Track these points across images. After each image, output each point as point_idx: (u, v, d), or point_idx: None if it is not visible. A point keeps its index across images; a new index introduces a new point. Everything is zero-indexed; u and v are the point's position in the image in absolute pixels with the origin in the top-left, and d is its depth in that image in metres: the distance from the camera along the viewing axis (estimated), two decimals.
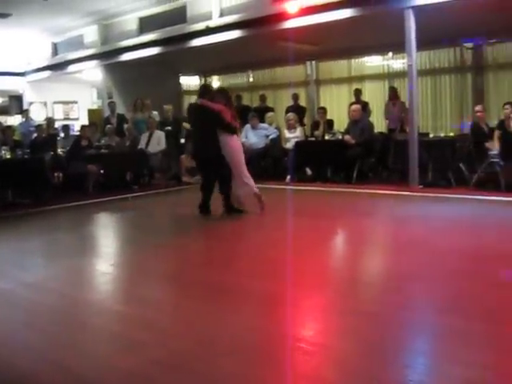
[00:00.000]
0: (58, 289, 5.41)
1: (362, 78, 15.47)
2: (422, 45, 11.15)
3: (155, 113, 14.36)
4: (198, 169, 9.57)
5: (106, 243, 7.91)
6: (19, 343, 3.99)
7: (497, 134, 10.32)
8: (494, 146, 10.19)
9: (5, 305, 4.95)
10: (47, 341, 4.04)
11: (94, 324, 4.37)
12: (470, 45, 13.45)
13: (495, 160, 9.97)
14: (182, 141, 13.92)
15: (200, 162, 9.00)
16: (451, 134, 12.62)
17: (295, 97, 14.82)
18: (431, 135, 12.60)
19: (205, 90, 9.08)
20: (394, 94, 13.18)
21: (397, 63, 14.70)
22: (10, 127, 14.04)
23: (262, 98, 15.67)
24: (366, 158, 11.81)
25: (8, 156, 11.34)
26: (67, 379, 3.40)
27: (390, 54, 14.77)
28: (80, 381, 3.37)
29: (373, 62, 15.36)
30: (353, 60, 15.65)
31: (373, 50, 14.64)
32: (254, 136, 13.18)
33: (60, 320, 4.51)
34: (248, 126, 13.37)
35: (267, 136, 13.16)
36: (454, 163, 10.62)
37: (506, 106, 10.27)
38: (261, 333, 3.97)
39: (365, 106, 13.29)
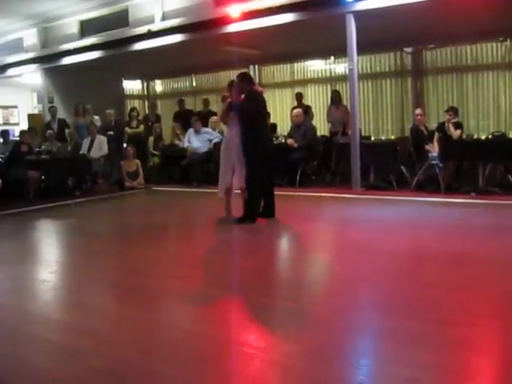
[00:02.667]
0: None
1: (304, 82, 15.61)
2: (363, 49, 11.33)
3: (97, 117, 14.21)
4: (260, 164, 8.16)
5: (47, 250, 7.76)
6: None
7: (436, 136, 10.56)
8: (434, 149, 10.41)
9: None
10: None
11: (32, 334, 4.26)
12: (409, 49, 13.71)
13: (435, 162, 10.18)
14: (125, 145, 13.80)
15: (266, 155, 8.31)
16: (392, 137, 12.86)
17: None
18: (373, 138, 12.81)
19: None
20: (336, 98, 13.32)
21: (339, 67, 14.87)
22: None
23: (206, 103, 15.65)
24: (308, 161, 11.91)
25: None
26: None
27: (332, 58, 14.93)
28: None
29: (315, 66, 15.50)
30: (295, 64, 15.76)
31: (315, 54, 14.80)
32: (196, 140, 13.14)
33: None
34: (191, 130, 13.33)
35: (210, 140, 13.14)
36: (396, 166, 10.81)
37: (450, 112, 10.52)
38: (201, 337, 3.95)
39: (307, 110, 13.41)
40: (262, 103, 8.29)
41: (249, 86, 8.16)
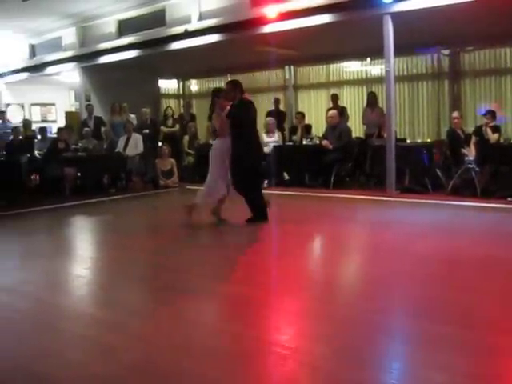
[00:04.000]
0: (32, 292, 5.36)
1: (340, 84, 15.54)
2: (400, 51, 11.24)
3: (133, 116, 14.34)
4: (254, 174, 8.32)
5: (82, 246, 7.85)
6: None
7: (473, 140, 10.43)
8: (471, 152, 10.28)
9: None
10: (20, 347, 3.99)
11: (67, 329, 4.32)
12: (446, 51, 13.57)
13: (471, 166, 10.05)
14: (160, 144, 13.90)
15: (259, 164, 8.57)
16: (428, 140, 12.73)
17: (276, 101, 14.82)
18: (408, 141, 12.69)
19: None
20: (372, 100, 13.22)
21: (375, 69, 14.78)
22: None
23: None
24: (343, 163, 11.84)
25: None
26: (32, 382, 3.36)
27: (368, 59, 14.84)
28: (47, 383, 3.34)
29: (351, 68, 15.42)
30: (331, 65, 15.70)
31: (351, 55, 14.71)
32: None
33: (34, 325, 4.46)
34: None
35: None
36: (431, 169, 10.70)
37: (487, 116, 10.39)
38: (235, 336, 3.96)
39: (342, 111, 13.34)
40: (253, 113, 8.34)
41: (240, 94, 8.16)
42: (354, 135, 12.91)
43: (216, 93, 8.51)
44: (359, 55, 14.68)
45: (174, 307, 4.68)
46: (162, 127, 14.64)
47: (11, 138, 13.70)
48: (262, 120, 14.10)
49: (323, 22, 10.85)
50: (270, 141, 12.88)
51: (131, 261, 6.56)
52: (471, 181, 10.00)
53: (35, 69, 17.64)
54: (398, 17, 10.11)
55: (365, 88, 14.91)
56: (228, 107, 8.07)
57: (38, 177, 12.55)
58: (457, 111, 11.64)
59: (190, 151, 14.29)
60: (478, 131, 10.51)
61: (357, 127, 13.91)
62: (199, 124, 15.70)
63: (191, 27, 12.98)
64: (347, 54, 14.60)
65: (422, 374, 3.32)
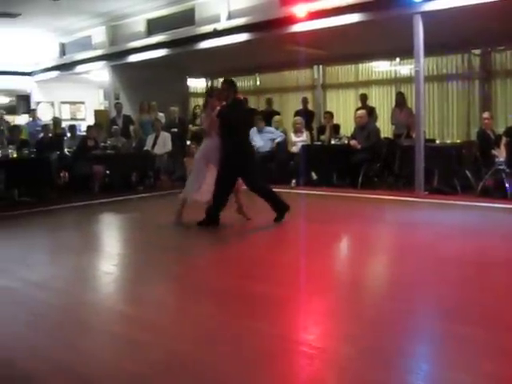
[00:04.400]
0: (61, 288, 5.42)
1: (368, 83, 15.46)
2: (430, 51, 11.14)
3: (161, 114, 14.41)
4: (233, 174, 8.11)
5: (110, 243, 7.91)
6: (22, 343, 3.99)
7: (504, 141, 10.30)
8: (501, 154, 10.16)
9: (9, 303, 4.96)
10: (50, 341, 4.04)
11: (96, 324, 4.37)
12: (477, 51, 13.42)
13: (501, 167, 9.93)
14: (188, 142, 13.95)
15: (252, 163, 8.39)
16: (458, 141, 12.61)
17: (305, 101, 14.79)
18: (437, 141, 12.58)
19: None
20: (401, 100, 13.14)
21: (404, 69, 14.68)
22: (17, 126, 14.12)
23: (269, 102, 15.68)
24: (371, 163, 11.78)
25: (14, 155, 11.36)
26: (69, 379, 3.40)
27: (398, 59, 14.75)
28: (81, 380, 3.36)
29: (380, 68, 15.33)
30: (360, 65, 15.62)
31: (380, 55, 14.63)
32: (259, 139, 13.18)
33: (63, 320, 4.51)
34: (254, 129, 13.36)
35: (273, 139, 13.16)
36: (460, 170, 10.59)
37: None
38: (262, 335, 3.96)
39: (371, 111, 13.28)
40: (244, 112, 8.38)
41: (233, 94, 8.10)
42: (382, 135, 12.84)
43: (209, 92, 8.45)
44: (388, 55, 14.59)
45: (202, 305, 4.71)
46: (190, 126, 14.69)
47: (41, 135, 13.87)
48: (290, 119, 14.14)
49: (352, 22, 10.80)
50: (298, 140, 12.87)
51: (158, 258, 6.60)
52: (501, 182, 9.89)
53: (65, 67, 17.83)
54: (428, 16, 10.02)
55: (394, 88, 14.81)
56: (218, 107, 8.00)
57: (67, 174, 12.67)
58: (487, 112, 11.51)
59: None
60: (509, 132, 10.37)
61: (385, 127, 13.82)
62: None
63: (220, 26, 13.01)
64: (376, 54, 14.52)
65: (447, 375, 3.31)
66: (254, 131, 13.31)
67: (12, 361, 3.67)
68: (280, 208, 8.16)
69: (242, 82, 18.52)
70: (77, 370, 3.49)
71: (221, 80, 18.98)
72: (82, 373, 3.45)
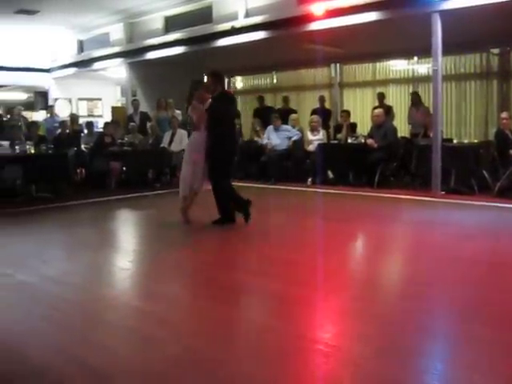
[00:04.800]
0: (78, 283, 5.45)
1: (386, 82, 15.39)
2: (448, 50, 11.07)
3: (178, 112, 14.43)
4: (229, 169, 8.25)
5: (126, 239, 7.94)
6: (37, 336, 4.02)
7: None
8: None
9: (25, 297, 4.99)
10: (65, 335, 4.07)
11: (112, 319, 4.39)
12: (496, 50, 13.32)
13: None
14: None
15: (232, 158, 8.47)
16: (475, 141, 12.53)
17: (322, 99, 14.76)
18: (455, 141, 12.50)
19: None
20: (416, 99, 13.08)
21: (422, 68, 14.60)
22: (35, 122, 14.22)
23: (285, 100, 15.66)
24: (388, 162, 11.74)
25: (32, 151, 11.43)
26: (83, 373, 3.41)
27: (415, 58, 14.67)
28: (96, 375, 3.38)
29: (397, 66, 15.26)
30: (377, 63, 15.56)
31: (398, 53, 14.55)
32: (276, 137, 13.19)
33: (79, 315, 4.54)
34: (271, 127, 13.39)
35: (290, 138, 13.15)
36: (478, 170, 10.52)
37: None
38: (276, 333, 3.96)
39: (388, 110, 13.23)
40: (234, 106, 8.35)
41: (221, 87, 8.05)
42: (399, 134, 12.78)
43: (194, 85, 8.32)
44: (406, 53, 14.52)
45: (218, 302, 4.71)
46: None
47: (59, 131, 13.96)
48: (306, 117, 14.12)
49: (370, 20, 10.77)
50: (314, 139, 12.86)
51: (173, 255, 6.62)
52: None
53: (83, 64, 17.94)
54: (446, 15, 9.96)
55: (411, 87, 14.73)
56: (210, 100, 7.89)
57: (84, 170, 12.75)
58: (505, 112, 11.41)
59: None
60: None
61: (402, 126, 13.76)
62: (243, 121, 15.74)
63: (238, 24, 13.02)
64: (394, 52, 14.45)
65: (463, 376, 3.29)
66: (270, 129, 13.34)
67: (27, 355, 3.69)
68: (244, 207, 8.00)
69: (259, 80, 18.54)
70: (91, 364, 3.51)
71: (238, 78, 19.16)
72: (97, 367, 3.46)
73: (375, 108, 12.93)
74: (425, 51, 11.44)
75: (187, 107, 8.35)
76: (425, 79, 13.96)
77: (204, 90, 8.06)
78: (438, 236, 7.32)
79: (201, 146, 7.89)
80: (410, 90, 14.45)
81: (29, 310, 4.62)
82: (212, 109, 7.84)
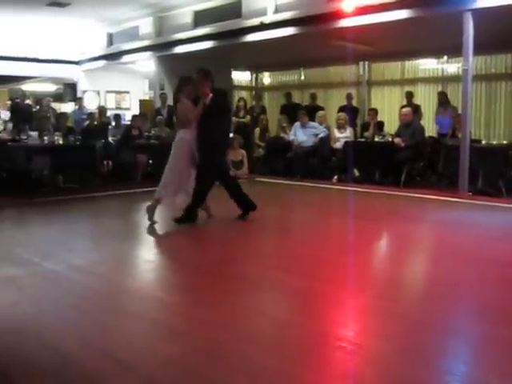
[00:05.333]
0: (103, 273, 5.50)
1: (414, 81, 15.26)
2: (479, 49, 10.96)
3: None
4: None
5: (151, 231, 7.97)
6: (63, 325, 4.07)
7: None
8: None
9: (52, 286, 5.04)
10: (91, 324, 4.10)
11: (136, 311, 4.42)
12: None
13: None
14: (231, 135, 13.99)
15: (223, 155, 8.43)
16: (504, 142, 12.39)
17: (349, 97, 14.69)
18: (483, 142, 12.38)
19: None
20: (443, 99, 12.98)
21: (451, 67, 14.46)
22: (64, 114, 14.37)
23: (313, 97, 15.61)
24: (415, 161, 11.66)
25: (60, 142, 11.55)
26: (106, 363, 3.44)
27: (445, 57, 14.54)
28: (120, 366, 3.40)
29: (426, 65, 15.14)
30: (406, 62, 15.44)
31: (427, 52, 14.44)
32: (302, 134, 13.17)
33: (104, 304, 4.59)
34: (297, 123, 13.36)
35: (316, 135, 13.13)
36: (506, 172, 10.41)
37: None
38: (299, 329, 3.97)
39: (416, 109, 13.13)
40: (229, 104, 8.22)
41: (211, 83, 7.82)
42: (427, 134, 12.69)
43: (183, 81, 7.98)
44: (436, 52, 14.40)
45: (240, 296, 4.73)
46: (233, 118, 14.76)
47: (87, 123, 14.07)
48: (333, 115, 14.07)
49: (401, 18, 10.68)
50: (341, 136, 12.81)
51: (198, 248, 6.66)
52: None
53: (112, 57, 18.03)
54: (478, 14, 9.86)
55: (440, 86, 14.61)
56: (210, 95, 7.65)
57: (110, 162, 12.84)
58: None
59: (260, 143, 14.36)
60: None
61: (430, 126, 13.66)
62: (270, 117, 15.73)
63: (267, 19, 13.00)
64: (423, 51, 14.33)
65: (486, 379, 3.26)
66: (297, 125, 13.32)
67: (54, 342, 3.73)
68: (191, 211, 7.85)
69: (287, 76, 18.50)
70: (115, 354, 3.54)
71: (266, 73, 19.16)
72: (121, 357, 3.50)
73: (403, 107, 12.85)
74: (455, 50, 11.34)
75: (174, 104, 8.15)
76: (454, 79, 13.84)
77: (194, 87, 7.82)
78: (463, 237, 7.25)
79: (190, 146, 7.71)
80: (439, 90, 14.34)
81: (56, 299, 4.67)
82: (219, 103, 7.77)
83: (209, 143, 7.66)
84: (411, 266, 6.20)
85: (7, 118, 16.97)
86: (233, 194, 7.96)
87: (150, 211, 7.85)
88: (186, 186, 7.75)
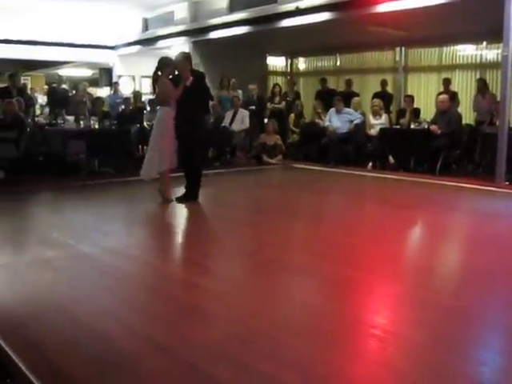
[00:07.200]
0: (138, 256, 5.55)
1: (452, 67, 15.04)
2: None
3: (239, 91, 14.46)
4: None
5: (184, 216, 8.01)
6: (98, 306, 4.11)
7: None
8: None
9: (87, 268, 5.11)
10: (125, 306, 4.14)
11: (171, 294, 4.45)
12: None
13: None
14: (266, 120, 14.00)
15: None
16: None
17: (383, 83, 14.55)
18: None
19: None
20: (482, 86, 12.76)
21: (490, 53, 14.20)
22: (99, 98, 14.46)
23: (348, 83, 15.46)
24: (451, 149, 11.50)
25: (96, 126, 11.64)
26: (141, 344, 3.48)
27: (484, 43, 14.28)
28: (153, 347, 3.42)
29: (465, 51, 14.88)
30: (444, 48, 15.20)
31: (466, 38, 14.19)
32: (337, 120, 13.07)
33: (137, 286, 4.64)
34: (332, 109, 13.27)
35: (351, 121, 13.02)
36: None
37: None
38: (335, 316, 3.95)
39: (453, 96, 12.94)
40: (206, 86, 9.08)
41: (190, 66, 8.40)
42: (464, 121, 12.51)
43: (162, 62, 8.32)
44: (474, 38, 14.15)
45: (275, 282, 4.73)
46: (268, 104, 14.73)
47: (122, 108, 14.17)
48: (369, 101, 13.93)
49: (439, 3, 10.50)
50: (376, 123, 12.68)
51: (232, 233, 6.66)
52: None
53: (147, 42, 18.09)
54: None
55: (478, 73, 14.36)
56: (190, 78, 8.10)
57: (145, 147, 12.89)
58: None
59: (295, 129, 14.30)
60: None
61: (467, 113, 13.45)
62: (305, 102, 15.66)
63: (302, 5, 12.88)
64: (461, 37, 14.09)
65: None
66: (332, 112, 13.23)
67: (88, 321, 3.79)
68: (192, 192, 8.25)
69: (322, 62, 18.37)
70: (149, 335, 3.57)
71: (301, 59, 19.04)
72: (154, 338, 3.53)
73: (440, 94, 12.67)
74: (495, 36, 11.11)
75: (154, 83, 8.56)
76: (493, 65, 13.59)
77: (173, 68, 8.26)
78: (500, 227, 7.13)
79: (170, 121, 8.01)
80: (477, 77, 14.10)
81: (91, 280, 4.74)
82: (201, 85, 8.46)
83: (188, 121, 8.01)
84: (447, 255, 6.12)
85: (44, 103, 17.21)
86: (190, 175, 8.34)
87: (162, 191, 8.20)
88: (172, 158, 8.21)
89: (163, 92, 8.14)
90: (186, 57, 8.43)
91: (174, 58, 8.38)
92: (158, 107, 8.56)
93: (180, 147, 8.18)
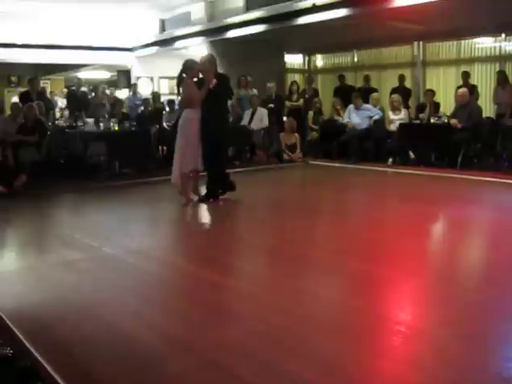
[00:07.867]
0: (161, 257, 5.61)
1: (471, 61, 14.90)
2: None
3: (254, 90, 14.46)
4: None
5: (206, 216, 8.04)
6: (123, 307, 4.16)
7: None
8: None
9: (110, 269, 5.16)
10: (150, 307, 4.18)
11: (194, 294, 4.48)
12: None
13: None
14: (284, 118, 13.98)
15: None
16: None
17: (401, 78, 14.48)
18: None
19: None
20: (502, 78, 12.64)
21: (509, 45, 14.07)
22: (119, 100, 14.56)
23: (367, 79, 15.40)
24: (472, 143, 11.41)
25: (116, 128, 11.71)
26: (165, 344, 3.51)
27: (503, 35, 14.15)
28: (177, 347, 3.46)
29: (483, 44, 14.75)
30: (462, 41, 15.08)
31: (484, 30, 14.05)
32: (356, 116, 13.02)
33: (163, 287, 4.68)
34: (351, 106, 13.23)
35: (370, 117, 12.98)
36: None
37: None
38: (359, 313, 3.95)
39: (473, 90, 12.84)
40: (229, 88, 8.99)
41: (215, 68, 8.42)
42: (484, 115, 12.41)
43: (188, 64, 8.37)
44: (492, 30, 14.01)
45: (297, 278, 4.74)
46: (286, 102, 14.72)
47: (141, 109, 14.24)
48: (387, 97, 13.87)
49: None
50: (396, 118, 12.62)
51: (254, 231, 6.67)
52: None
53: (165, 43, 18.14)
54: None
55: (498, 66, 14.22)
56: (214, 80, 8.11)
57: (165, 147, 12.96)
58: None
59: (314, 127, 14.27)
60: None
61: (487, 106, 13.34)
62: (323, 99, 15.62)
63: (319, 1, 12.85)
64: (479, 29, 13.96)
65: None
66: (351, 108, 13.19)
67: (116, 324, 3.83)
68: (213, 191, 8.30)
69: (340, 59, 18.30)
70: (173, 336, 3.62)
71: (318, 56, 18.99)
72: (178, 339, 3.57)
73: (459, 87, 12.58)
74: None
75: (178, 85, 8.54)
76: None
77: (197, 71, 8.29)
78: None
79: (195, 123, 8.01)
80: (497, 69, 13.97)
81: (114, 281, 4.79)
82: (227, 86, 8.56)
83: (213, 123, 8.03)
84: (471, 251, 6.09)
85: (64, 106, 17.34)
86: (213, 175, 8.35)
87: (183, 192, 8.24)
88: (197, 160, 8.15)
89: (187, 94, 8.19)
90: (210, 60, 8.43)
91: (198, 60, 8.39)
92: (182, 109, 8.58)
93: (204, 149, 8.13)
